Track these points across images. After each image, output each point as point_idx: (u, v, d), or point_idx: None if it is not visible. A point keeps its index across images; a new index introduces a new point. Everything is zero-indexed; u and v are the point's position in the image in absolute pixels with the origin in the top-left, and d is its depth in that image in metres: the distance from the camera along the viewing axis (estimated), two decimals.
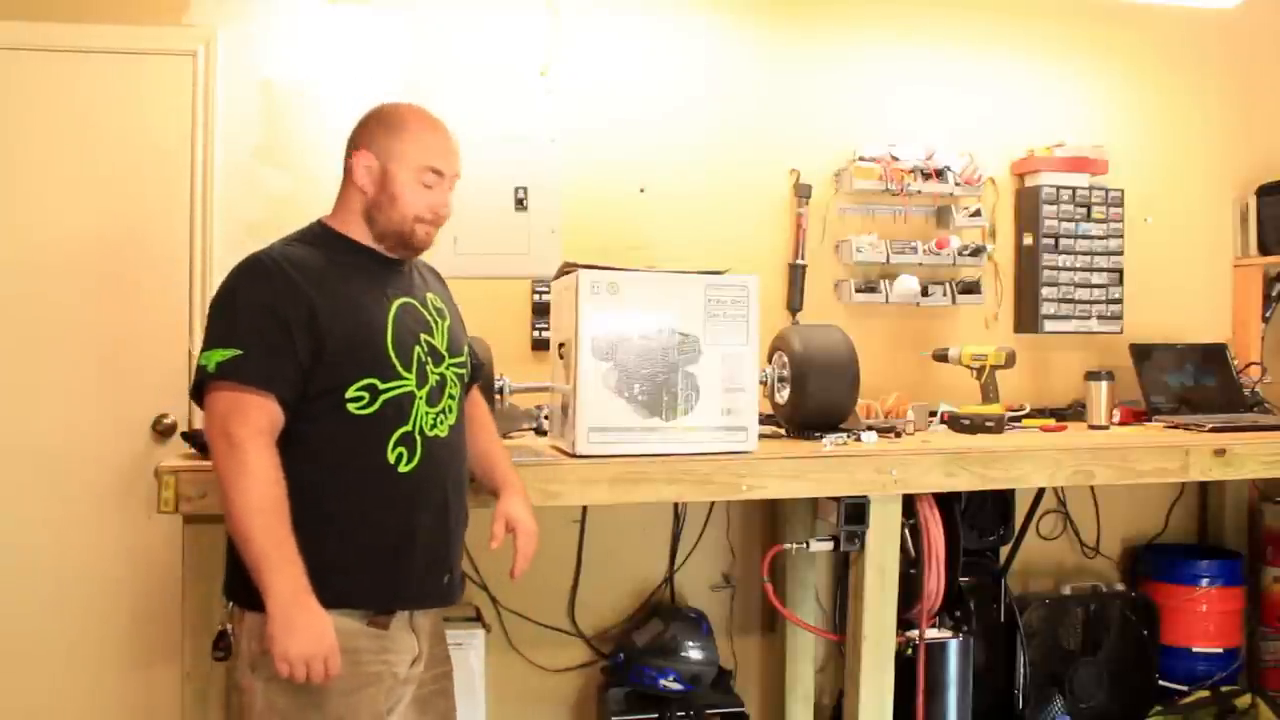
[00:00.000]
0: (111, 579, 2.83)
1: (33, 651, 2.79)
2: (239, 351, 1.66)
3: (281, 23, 2.92)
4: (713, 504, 3.12)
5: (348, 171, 1.86)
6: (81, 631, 2.82)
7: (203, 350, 1.70)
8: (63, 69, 2.82)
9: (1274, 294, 3.59)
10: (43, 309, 2.81)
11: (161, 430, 2.85)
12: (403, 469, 1.76)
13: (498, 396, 2.38)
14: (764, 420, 2.58)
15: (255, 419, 1.65)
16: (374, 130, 1.85)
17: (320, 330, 1.70)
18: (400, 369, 1.77)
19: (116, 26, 2.82)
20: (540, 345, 2.97)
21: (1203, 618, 3.26)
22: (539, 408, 2.71)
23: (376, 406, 1.74)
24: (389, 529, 1.75)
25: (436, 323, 1.88)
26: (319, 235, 1.85)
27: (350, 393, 1.72)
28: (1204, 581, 3.26)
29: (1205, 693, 3.15)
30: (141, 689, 2.84)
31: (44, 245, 2.80)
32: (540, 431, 2.70)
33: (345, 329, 1.73)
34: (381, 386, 1.74)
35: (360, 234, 1.85)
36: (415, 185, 1.82)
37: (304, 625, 1.62)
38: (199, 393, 1.71)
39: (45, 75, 2.81)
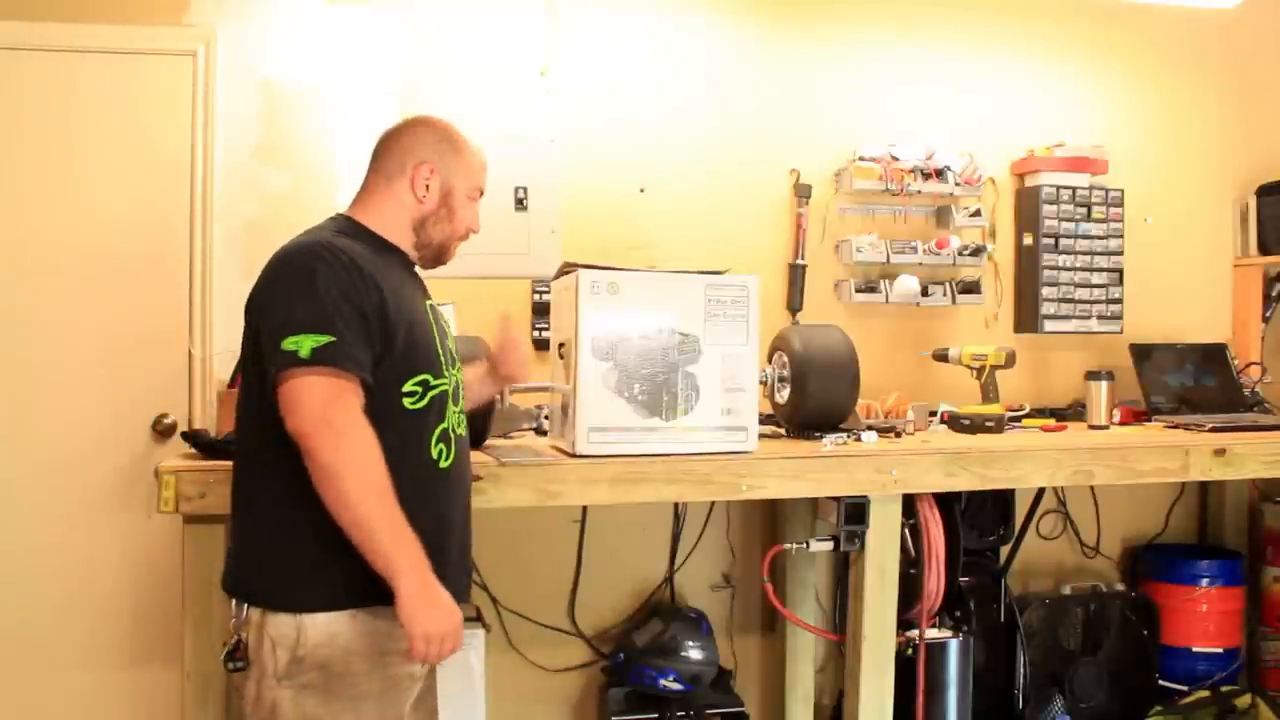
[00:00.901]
0: (111, 579, 2.83)
1: (33, 651, 2.79)
2: (332, 338, 1.63)
3: (281, 23, 2.92)
4: (713, 504, 3.12)
5: (385, 174, 1.86)
6: (81, 631, 2.82)
7: (285, 335, 1.62)
8: (62, 69, 2.82)
9: (1274, 294, 3.59)
10: (42, 309, 2.81)
11: (161, 430, 2.85)
12: (442, 465, 1.78)
13: (498, 396, 2.38)
14: (764, 420, 2.58)
15: (354, 404, 1.64)
16: (435, 145, 1.88)
17: (390, 322, 1.70)
18: (445, 367, 1.80)
19: (116, 26, 2.82)
20: (540, 345, 2.96)
21: (1203, 618, 3.26)
22: (539, 408, 2.71)
23: (425, 402, 1.75)
24: (430, 526, 1.73)
25: (447, 328, 1.91)
26: (357, 231, 1.83)
27: (407, 386, 1.73)
28: (1204, 581, 3.26)
29: (1205, 693, 3.15)
30: (141, 689, 2.84)
31: (44, 245, 2.80)
32: (540, 431, 2.70)
33: (408, 323, 1.74)
34: (433, 382, 1.76)
35: (395, 236, 1.86)
36: (467, 204, 1.91)
37: (440, 602, 1.63)
38: (282, 378, 1.63)
39: (45, 75, 2.81)
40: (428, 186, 1.85)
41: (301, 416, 1.60)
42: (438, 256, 1.91)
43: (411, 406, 1.73)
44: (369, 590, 1.64)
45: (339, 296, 1.65)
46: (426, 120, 1.92)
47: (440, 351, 1.80)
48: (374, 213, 1.86)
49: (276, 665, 1.66)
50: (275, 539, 1.70)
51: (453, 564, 1.80)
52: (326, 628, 1.65)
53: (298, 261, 1.70)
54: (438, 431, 1.77)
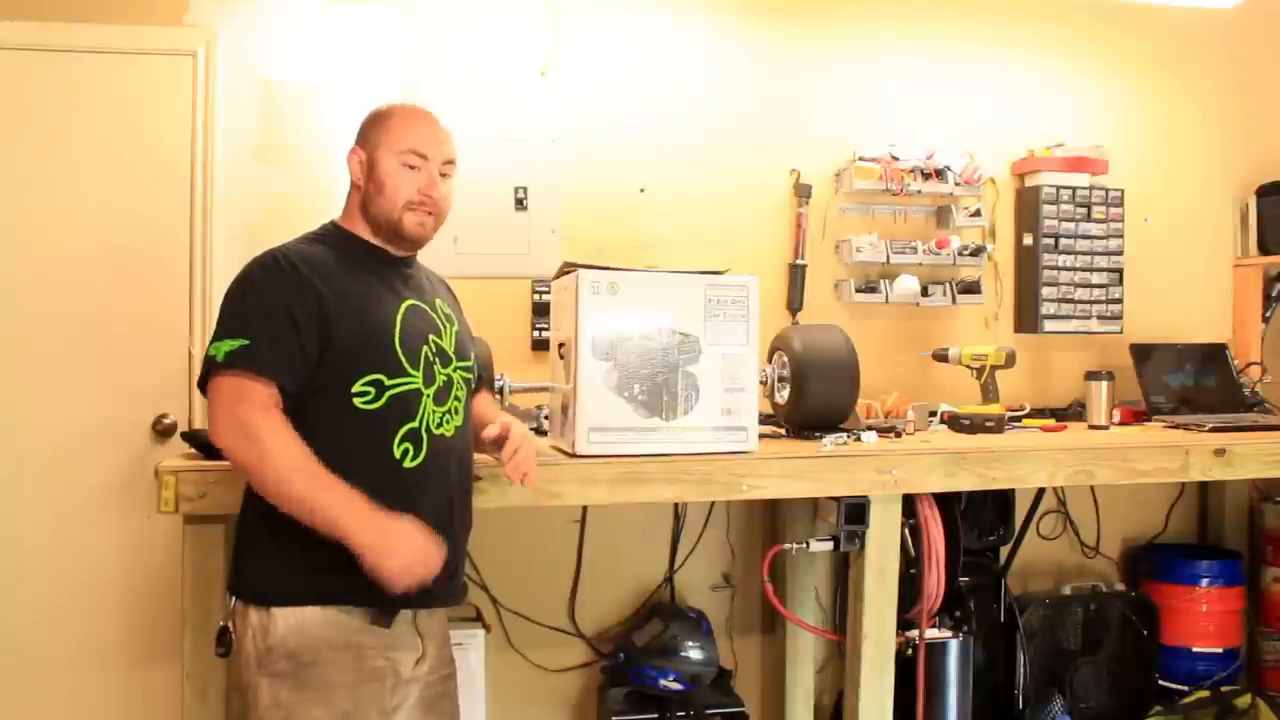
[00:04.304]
0: (111, 579, 2.83)
1: (32, 651, 2.79)
2: (246, 341, 1.68)
3: (281, 22, 2.92)
4: (713, 504, 3.12)
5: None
6: (81, 631, 2.82)
7: (211, 342, 1.72)
8: (63, 69, 2.82)
9: (1274, 294, 3.59)
10: (43, 309, 2.81)
11: (161, 430, 2.85)
12: (408, 464, 1.77)
13: (497, 396, 2.38)
14: (764, 420, 2.58)
15: (260, 398, 1.68)
16: (364, 127, 1.91)
17: (329, 324, 1.72)
18: (408, 366, 1.78)
19: (116, 26, 2.82)
20: (540, 345, 2.97)
21: (1203, 618, 3.26)
22: (539, 408, 2.71)
23: (383, 402, 1.75)
24: None
25: (445, 326, 1.90)
26: (330, 235, 1.89)
27: (356, 387, 1.74)
28: (1204, 581, 3.26)
29: (1205, 693, 3.15)
30: (141, 689, 2.84)
31: (44, 245, 2.80)
32: (540, 431, 2.69)
33: (353, 324, 1.75)
34: (388, 382, 1.76)
35: (366, 232, 1.88)
36: (400, 169, 1.85)
37: (396, 541, 1.68)
38: (206, 383, 1.72)
39: (45, 75, 2.81)
40: (360, 168, 1.88)
41: (214, 417, 1.69)
42: (395, 233, 1.86)
43: (365, 406, 1.75)
44: (342, 589, 1.72)
45: (266, 302, 1.72)
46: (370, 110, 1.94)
47: (401, 351, 1.78)
48: (346, 214, 1.92)
49: (255, 654, 1.72)
50: (251, 535, 1.78)
51: None
52: (294, 619, 1.71)
53: (242, 272, 1.78)
54: (403, 431, 1.77)
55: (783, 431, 2.69)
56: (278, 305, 1.71)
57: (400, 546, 1.68)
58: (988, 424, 2.81)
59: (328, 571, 1.71)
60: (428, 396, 1.80)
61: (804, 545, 2.55)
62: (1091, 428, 3.08)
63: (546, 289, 2.92)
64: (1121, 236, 3.41)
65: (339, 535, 1.65)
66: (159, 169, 2.86)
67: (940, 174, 3.25)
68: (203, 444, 2.22)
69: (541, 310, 2.97)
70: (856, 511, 2.41)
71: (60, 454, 2.81)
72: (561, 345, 2.35)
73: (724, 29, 3.22)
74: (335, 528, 1.65)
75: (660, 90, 3.16)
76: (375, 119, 1.90)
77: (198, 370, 2.76)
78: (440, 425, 1.82)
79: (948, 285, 3.30)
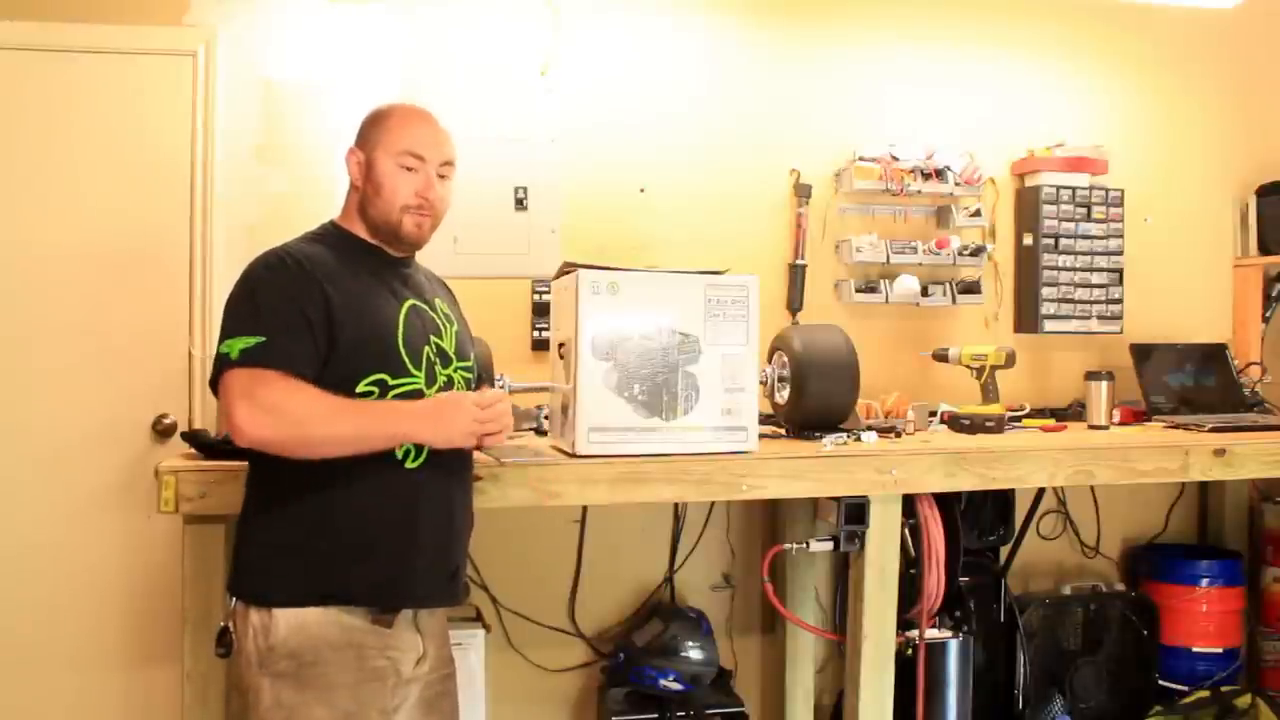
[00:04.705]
0: (111, 579, 2.83)
1: (32, 651, 2.79)
2: (262, 338, 1.67)
3: (281, 22, 2.92)
4: (713, 504, 3.12)
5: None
6: (81, 631, 2.82)
7: (222, 341, 1.70)
8: (63, 69, 2.82)
9: (1274, 294, 3.59)
10: (43, 309, 2.81)
11: (161, 430, 2.85)
12: (409, 465, 1.77)
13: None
14: (764, 420, 2.58)
15: (277, 382, 1.67)
16: (363, 127, 1.91)
17: (334, 323, 1.72)
18: (410, 366, 1.78)
19: (116, 26, 2.82)
20: (540, 345, 2.97)
21: (1203, 618, 3.26)
22: (539, 408, 2.71)
23: None
24: (394, 525, 1.76)
25: (445, 327, 1.90)
26: (330, 234, 1.88)
27: (360, 387, 1.74)
28: (1204, 581, 3.26)
29: (1205, 693, 3.15)
30: (141, 689, 2.84)
31: (44, 245, 2.80)
32: (540, 431, 2.70)
33: (357, 323, 1.74)
34: (391, 382, 1.76)
35: (364, 232, 1.88)
36: (397, 171, 1.84)
37: (444, 415, 1.75)
38: (217, 382, 1.70)
39: (45, 75, 2.81)
40: (358, 169, 1.88)
41: (232, 411, 1.66)
42: (393, 235, 1.86)
43: None
44: (343, 588, 1.72)
45: (278, 300, 1.71)
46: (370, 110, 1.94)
47: (404, 351, 1.78)
48: (345, 214, 1.91)
49: (256, 654, 1.72)
50: (251, 536, 1.78)
51: (420, 567, 1.80)
52: (295, 619, 1.70)
53: (247, 271, 1.77)
54: None
55: (783, 431, 2.69)
56: (290, 304, 1.70)
57: (454, 417, 1.74)
58: (988, 424, 2.81)
59: (328, 572, 1.72)
60: (429, 397, 1.80)
61: (804, 545, 2.55)
62: (1091, 428, 3.08)
63: (546, 289, 2.92)
64: (1121, 236, 3.41)
65: (401, 438, 1.72)
66: (159, 169, 2.86)
67: (940, 174, 3.24)
68: (203, 444, 2.22)
69: (541, 310, 2.97)
70: (856, 511, 2.42)
71: (60, 454, 2.81)
72: (561, 345, 2.35)
73: (724, 29, 3.22)
74: (400, 440, 1.73)
75: (660, 90, 3.16)
76: (373, 119, 1.89)
77: (198, 370, 2.84)
78: None
79: (948, 285, 3.30)
